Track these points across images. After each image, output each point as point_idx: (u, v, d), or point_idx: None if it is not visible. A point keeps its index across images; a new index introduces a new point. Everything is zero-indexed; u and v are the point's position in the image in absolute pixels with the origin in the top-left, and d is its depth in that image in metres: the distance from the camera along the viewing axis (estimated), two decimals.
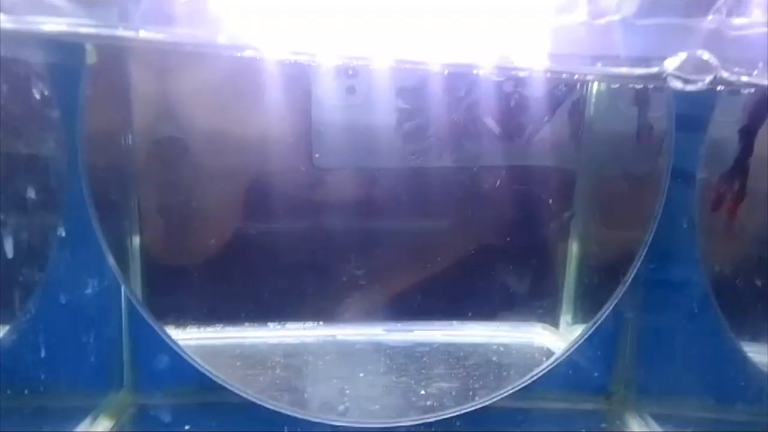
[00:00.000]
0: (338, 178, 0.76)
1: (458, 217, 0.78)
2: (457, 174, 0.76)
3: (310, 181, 0.75)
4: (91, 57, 0.59)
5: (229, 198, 0.76)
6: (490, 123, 0.74)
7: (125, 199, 0.73)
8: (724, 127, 0.67)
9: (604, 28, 0.42)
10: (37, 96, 0.60)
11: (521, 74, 0.46)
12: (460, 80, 0.71)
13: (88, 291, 0.67)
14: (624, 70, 0.42)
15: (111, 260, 0.66)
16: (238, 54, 0.51)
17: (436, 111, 0.73)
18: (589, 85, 0.74)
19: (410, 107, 0.73)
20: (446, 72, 0.65)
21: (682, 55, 0.41)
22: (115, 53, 0.67)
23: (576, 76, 0.47)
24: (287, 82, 0.69)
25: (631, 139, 0.73)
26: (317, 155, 0.74)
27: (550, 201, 0.79)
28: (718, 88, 0.45)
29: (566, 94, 0.74)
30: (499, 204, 0.78)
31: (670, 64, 0.41)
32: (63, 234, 0.62)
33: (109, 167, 0.71)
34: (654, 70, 0.41)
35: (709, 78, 0.41)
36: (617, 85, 0.72)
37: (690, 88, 0.42)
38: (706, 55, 0.42)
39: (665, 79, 0.41)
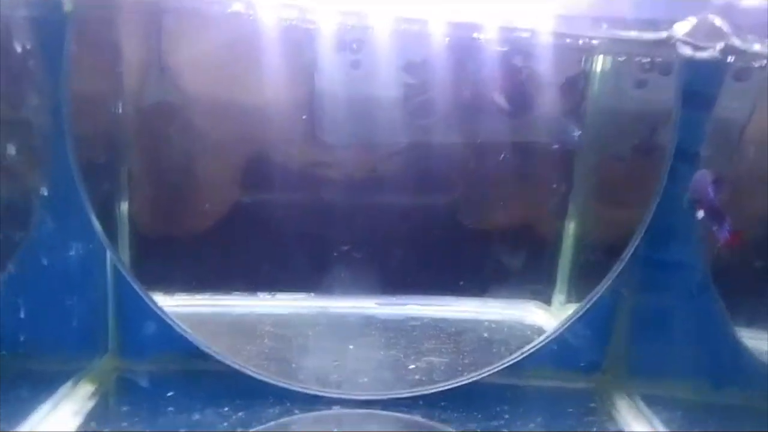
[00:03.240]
0: (340, 153, 0.74)
1: (456, 193, 0.77)
2: (457, 150, 0.75)
3: (312, 155, 0.74)
4: (68, 3, 0.56)
5: (224, 167, 0.75)
6: (496, 98, 0.72)
7: (113, 163, 0.72)
8: (731, 104, 0.65)
9: None
10: (19, 51, 0.58)
11: (525, 36, 0.44)
12: (466, 55, 0.69)
13: (72, 253, 0.65)
14: (632, 33, 0.40)
15: (96, 223, 0.65)
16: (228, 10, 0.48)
17: (442, 86, 0.72)
18: (595, 61, 0.72)
19: (415, 82, 0.71)
20: (448, 39, 0.63)
21: (693, 20, 0.39)
22: (100, 9, 0.64)
23: (581, 41, 0.45)
24: (290, 54, 0.68)
25: (634, 118, 0.71)
26: (320, 129, 0.73)
27: (550, 178, 0.77)
28: (729, 59, 0.43)
29: (572, 71, 0.72)
30: (498, 180, 0.77)
31: (680, 28, 0.39)
32: (46, 194, 0.61)
33: (96, 129, 0.69)
34: (663, 34, 0.39)
35: (720, 45, 0.39)
36: (623, 58, 0.70)
37: (700, 55, 0.40)
38: (717, 21, 0.40)
39: (674, 44, 0.39)
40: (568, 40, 0.43)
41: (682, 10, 0.42)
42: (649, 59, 0.65)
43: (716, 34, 0.39)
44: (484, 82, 0.72)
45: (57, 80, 0.60)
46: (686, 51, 0.40)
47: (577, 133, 0.66)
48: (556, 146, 0.76)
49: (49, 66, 0.61)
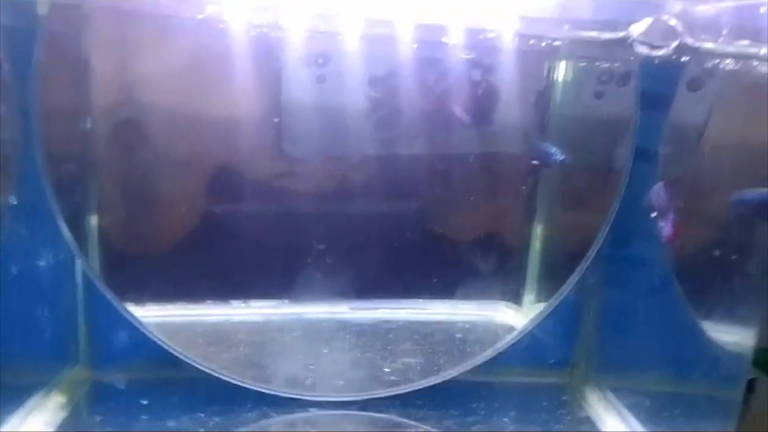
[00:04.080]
0: (307, 167, 0.75)
1: (425, 200, 0.78)
2: (424, 160, 0.76)
3: (278, 169, 0.74)
4: (42, 6, 0.56)
5: (194, 181, 0.74)
6: (459, 111, 0.74)
7: (83, 172, 0.71)
8: (688, 103, 0.68)
9: None
10: None
11: (490, 37, 0.46)
12: (430, 65, 0.71)
13: (42, 263, 0.64)
14: (592, 33, 0.42)
15: (66, 231, 0.64)
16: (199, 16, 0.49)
17: (406, 100, 0.73)
18: (557, 69, 0.75)
19: (380, 96, 0.72)
20: (415, 45, 0.64)
21: (648, 21, 0.42)
22: (70, 19, 0.64)
23: (544, 44, 0.47)
24: (256, 69, 0.68)
25: (595, 125, 0.74)
26: (286, 143, 0.73)
27: (516, 184, 0.79)
28: (683, 58, 0.45)
29: (538, 80, 0.75)
30: (465, 188, 0.78)
31: (636, 29, 0.42)
32: (15, 202, 0.60)
33: (66, 140, 0.68)
34: (620, 34, 0.41)
35: (674, 44, 0.42)
36: (584, 63, 0.73)
37: (656, 53, 0.42)
38: (672, 21, 0.42)
39: (631, 44, 0.42)
40: (531, 42, 0.45)
41: (639, 12, 0.44)
42: (607, 66, 0.68)
43: (671, 33, 0.41)
44: (449, 93, 0.73)
45: (25, 88, 0.60)
46: (643, 50, 0.42)
47: (560, 157, 0.69)
48: (534, 162, 0.78)
49: (17, 74, 0.60)
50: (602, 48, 0.49)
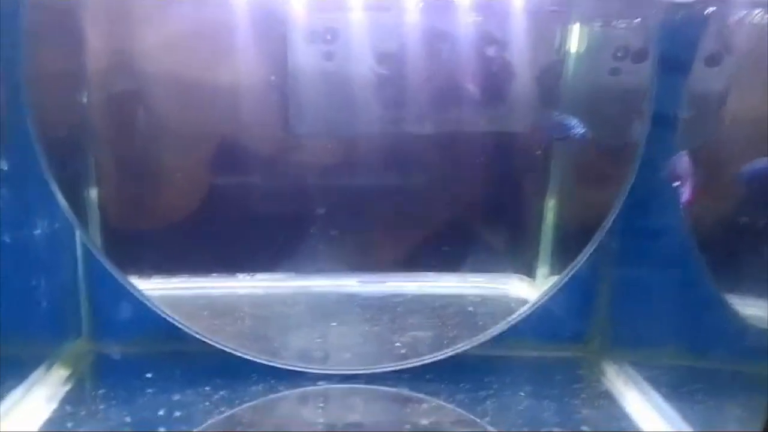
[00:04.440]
0: (314, 141, 0.74)
1: (437, 174, 0.77)
2: (435, 134, 0.75)
3: (285, 146, 0.73)
4: None
5: (200, 153, 0.73)
6: (470, 88, 0.72)
7: (80, 143, 0.69)
8: (706, 68, 0.65)
9: None
10: None
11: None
12: (440, 44, 0.69)
13: (37, 232, 0.63)
14: None
15: (63, 203, 0.62)
16: None
17: (415, 75, 0.71)
18: (570, 34, 0.72)
19: (389, 73, 0.71)
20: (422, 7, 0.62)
21: None
22: None
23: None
24: (263, 45, 0.67)
25: (609, 97, 0.71)
26: (293, 121, 0.72)
27: (529, 157, 0.77)
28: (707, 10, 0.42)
29: (547, 54, 0.72)
30: (478, 162, 0.77)
31: None
32: (5, 168, 0.58)
33: (59, 109, 0.66)
34: None
35: None
36: (600, 24, 0.70)
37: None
38: None
39: None
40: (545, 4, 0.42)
41: None
42: (623, 42, 0.65)
43: None
44: (460, 69, 0.71)
45: (15, 56, 0.58)
46: None
47: (581, 130, 0.67)
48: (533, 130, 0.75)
49: (6, 42, 0.58)
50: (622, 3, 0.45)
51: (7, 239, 0.58)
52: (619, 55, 0.68)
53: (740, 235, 0.65)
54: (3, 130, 0.58)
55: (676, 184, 0.64)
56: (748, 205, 0.63)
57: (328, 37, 0.68)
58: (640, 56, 0.66)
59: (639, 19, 0.64)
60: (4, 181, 0.58)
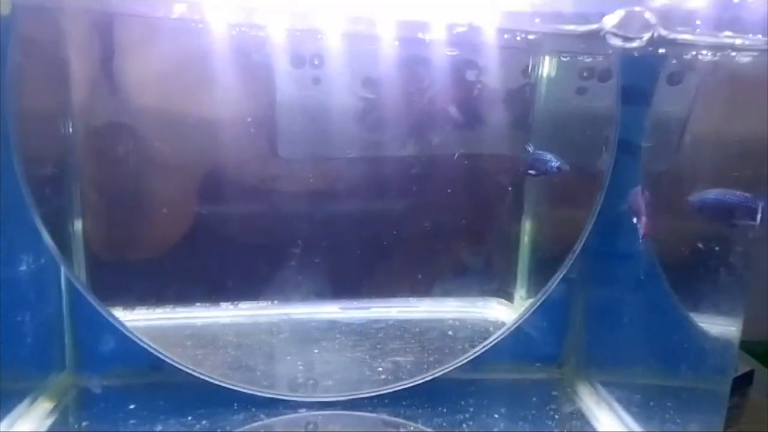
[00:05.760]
0: (299, 168, 0.75)
1: (415, 200, 0.78)
2: (415, 160, 0.76)
3: (273, 171, 0.74)
4: (5, 7, 0.55)
5: (185, 183, 0.74)
6: (452, 112, 0.74)
7: (64, 177, 0.70)
8: (669, 97, 0.68)
9: None
10: None
11: (474, 33, 0.45)
12: (423, 70, 0.71)
13: (23, 268, 0.64)
14: (570, 27, 0.42)
15: (47, 238, 0.63)
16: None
17: (393, 101, 0.73)
18: (541, 65, 0.75)
19: (375, 97, 0.73)
20: (398, 43, 0.64)
21: (620, 12, 0.41)
22: (47, 19, 0.64)
23: (523, 37, 0.46)
24: (250, 72, 0.68)
25: (578, 122, 0.74)
26: (281, 145, 0.73)
27: (503, 183, 0.79)
28: (660, 50, 0.45)
29: (519, 80, 0.75)
30: (454, 187, 0.78)
31: (609, 21, 0.42)
32: None
33: (44, 144, 0.67)
34: (593, 26, 0.41)
35: (647, 35, 0.42)
36: (567, 58, 0.73)
37: (629, 45, 0.42)
38: (647, 14, 0.42)
39: (604, 36, 0.42)
40: (517, 38, 0.45)
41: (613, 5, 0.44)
42: (589, 62, 0.68)
43: (644, 25, 0.41)
44: (437, 94, 0.73)
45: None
46: (616, 42, 0.42)
47: (556, 164, 0.69)
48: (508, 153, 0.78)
49: None
50: (582, 41, 0.48)
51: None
52: (585, 75, 0.70)
53: (700, 257, 0.67)
54: None
55: (634, 220, 0.67)
56: (703, 230, 0.66)
57: (316, 62, 0.70)
58: (605, 75, 0.69)
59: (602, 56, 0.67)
60: None
